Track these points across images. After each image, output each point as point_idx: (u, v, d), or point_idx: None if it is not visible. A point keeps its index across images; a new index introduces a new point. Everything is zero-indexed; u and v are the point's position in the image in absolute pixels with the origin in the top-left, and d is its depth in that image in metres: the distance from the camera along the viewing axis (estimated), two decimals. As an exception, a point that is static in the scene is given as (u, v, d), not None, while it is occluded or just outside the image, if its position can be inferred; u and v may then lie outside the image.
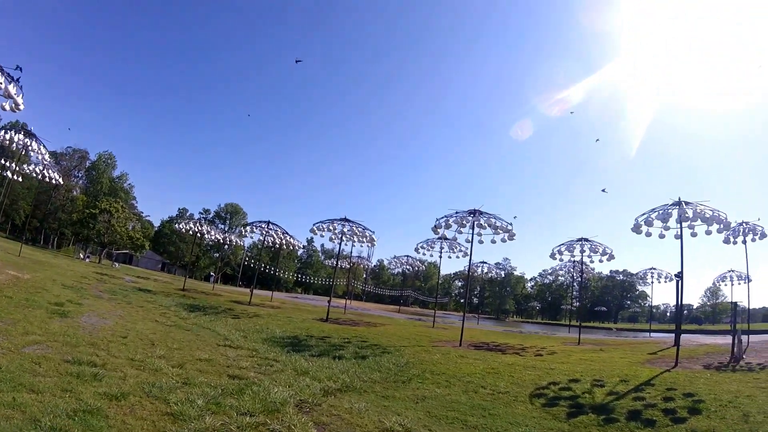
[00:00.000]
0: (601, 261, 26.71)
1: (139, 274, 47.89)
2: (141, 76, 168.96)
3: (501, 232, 20.46)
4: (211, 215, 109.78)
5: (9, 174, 32.93)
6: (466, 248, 30.04)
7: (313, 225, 26.32)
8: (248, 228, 34.04)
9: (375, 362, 12.84)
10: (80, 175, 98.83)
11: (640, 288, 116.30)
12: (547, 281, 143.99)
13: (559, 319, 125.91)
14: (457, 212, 20.61)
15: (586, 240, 25.57)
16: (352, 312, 36.19)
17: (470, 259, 22.88)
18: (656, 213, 17.82)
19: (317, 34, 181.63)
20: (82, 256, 59.68)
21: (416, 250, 31.53)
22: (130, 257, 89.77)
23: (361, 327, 22.59)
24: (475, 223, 20.10)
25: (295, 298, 57.03)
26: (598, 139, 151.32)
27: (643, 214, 18.17)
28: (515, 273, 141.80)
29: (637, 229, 18.36)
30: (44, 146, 25.67)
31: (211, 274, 68.08)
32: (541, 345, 20.73)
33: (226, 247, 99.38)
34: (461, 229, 21.36)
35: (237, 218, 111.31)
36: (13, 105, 15.07)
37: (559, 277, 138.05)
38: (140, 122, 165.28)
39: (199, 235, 45.64)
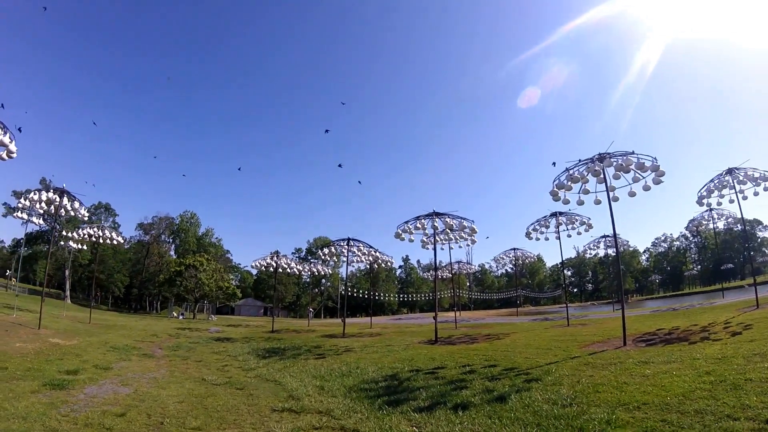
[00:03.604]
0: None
1: (233, 323, 46.16)
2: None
3: (643, 174, 14.63)
4: (303, 253, 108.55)
5: (72, 244, 31.49)
6: (588, 218, 24.50)
7: (398, 228, 21.73)
8: (327, 251, 29.78)
9: (522, 404, 7.71)
10: (170, 240, 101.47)
11: (761, 234, 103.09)
12: (662, 249, 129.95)
13: (681, 288, 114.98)
14: (574, 164, 15.10)
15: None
16: (465, 324, 30.85)
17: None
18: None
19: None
20: (176, 314, 58.80)
21: (527, 235, 25.94)
22: (231, 308, 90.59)
23: (482, 343, 17.28)
24: (607, 169, 14.46)
25: (398, 320, 52.70)
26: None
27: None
28: (629, 248, 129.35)
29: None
30: (80, 203, 22.89)
31: (310, 310, 65.28)
32: (719, 318, 16.49)
33: (324, 280, 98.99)
34: (585, 186, 15.78)
35: (341, 258, 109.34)
36: (6, 152, 15.18)
37: (675, 243, 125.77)
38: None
39: (295, 273, 44.29)
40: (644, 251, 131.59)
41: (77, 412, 8.17)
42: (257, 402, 9.34)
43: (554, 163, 14.81)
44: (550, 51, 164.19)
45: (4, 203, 75.56)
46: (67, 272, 76.87)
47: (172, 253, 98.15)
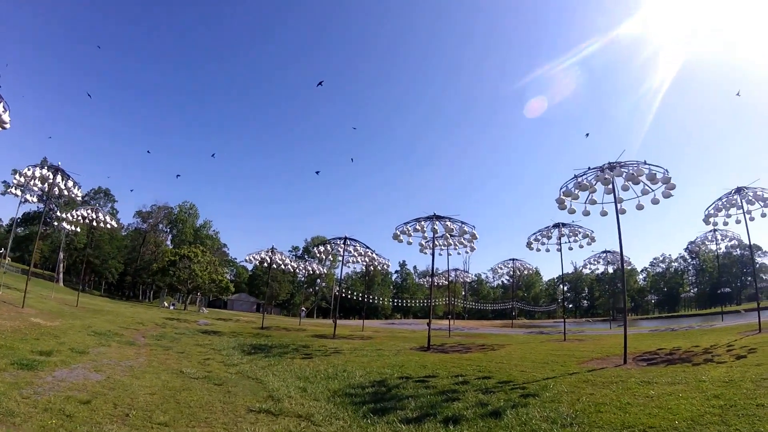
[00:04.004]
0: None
1: (223, 317, 45.47)
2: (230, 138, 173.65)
3: (652, 186, 14.11)
4: (299, 252, 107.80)
5: (65, 225, 30.94)
6: (591, 231, 23.95)
7: (396, 229, 21.13)
8: (322, 248, 29.17)
9: (519, 421, 7.12)
10: (167, 229, 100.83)
11: (759, 260, 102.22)
12: (660, 270, 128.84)
13: (677, 309, 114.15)
14: (583, 171, 14.52)
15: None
16: (459, 333, 30.23)
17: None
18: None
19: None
20: (166, 304, 58.11)
21: (528, 245, 25.34)
22: (224, 302, 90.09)
23: (476, 352, 16.63)
24: (616, 180, 13.92)
25: (391, 324, 52.07)
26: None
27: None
28: (628, 266, 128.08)
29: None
30: (74, 182, 22.32)
31: (302, 309, 64.62)
32: (720, 341, 15.90)
33: (319, 280, 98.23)
34: (592, 197, 15.25)
35: (336, 256, 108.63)
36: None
37: (673, 264, 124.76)
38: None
39: (290, 270, 43.78)
40: (642, 270, 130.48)
41: (40, 395, 7.66)
42: (234, 400, 8.73)
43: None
44: (563, 64, 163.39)
45: (3, 181, 74.95)
46: (61, 254, 76.21)
47: (169, 243, 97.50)
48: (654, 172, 13.46)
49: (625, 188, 14.24)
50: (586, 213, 15.82)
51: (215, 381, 10.55)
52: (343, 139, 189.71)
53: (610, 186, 14.07)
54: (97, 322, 21.04)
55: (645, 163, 13.50)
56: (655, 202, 14.47)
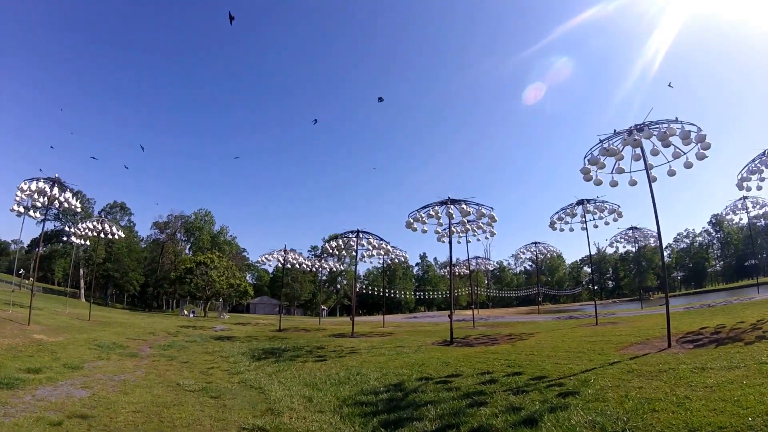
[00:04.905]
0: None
1: (242, 321, 45.07)
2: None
3: (685, 148, 12.73)
4: (318, 251, 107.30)
5: (74, 239, 30.38)
6: (618, 206, 22.48)
7: (408, 216, 19.86)
8: (334, 243, 28.13)
9: (559, 428, 5.91)
10: (184, 238, 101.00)
11: None
12: (684, 245, 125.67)
13: (703, 285, 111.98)
14: (608, 136, 13.17)
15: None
16: (483, 323, 28.84)
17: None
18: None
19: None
20: (186, 312, 57.67)
21: (551, 224, 23.83)
22: (246, 306, 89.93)
23: (503, 344, 15.34)
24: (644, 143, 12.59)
25: (413, 318, 50.84)
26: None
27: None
28: (650, 243, 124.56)
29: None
30: (72, 193, 21.73)
31: (323, 308, 63.91)
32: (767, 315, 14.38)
33: (340, 278, 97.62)
34: (620, 165, 13.92)
35: (350, 250, 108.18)
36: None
37: (697, 238, 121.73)
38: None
39: (305, 269, 43.70)
40: (666, 247, 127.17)
41: (8, 417, 7.08)
42: (227, 416, 7.70)
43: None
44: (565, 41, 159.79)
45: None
46: (81, 270, 76.57)
47: (188, 251, 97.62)
48: (688, 129, 12.04)
49: (654, 152, 12.87)
50: (614, 183, 14.41)
51: (212, 393, 9.59)
52: (359, 133, 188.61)
53: (639, 152, 12.77)
54: (104, 334, 20.36)
55: (677, 120, 12.10)
56: (687, 165, 13.02)
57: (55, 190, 21.18)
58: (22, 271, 49.50)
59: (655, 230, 12.70)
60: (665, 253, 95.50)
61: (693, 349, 10.37)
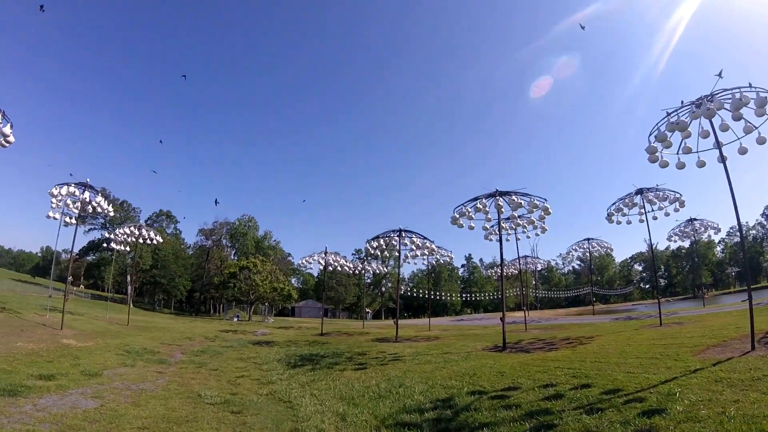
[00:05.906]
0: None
1: (285, 325, 44.58)
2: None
3: (760, 116, 10.81)
4: (362, 254, 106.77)
5: (114, 245, 30.31)
6: (680, 194, 20.44)
7: (454, 211, 18.47)
8: (375, 243, 26.85)
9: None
10: (229, 243, 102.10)
11: None
12: (738, 240, 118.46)
13: (758, 280, 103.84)
14: (676, 109, 11.45)
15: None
16: (535, 326, 27.09)
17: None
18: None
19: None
20: (230, 316, 57.75)
21: (608, 217, 22.08)
22: (292, 309, 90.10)
23: (562, 349, 13.72)
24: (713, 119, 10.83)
25: (459, 320, 49.30)
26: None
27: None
28: (710, 236, 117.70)
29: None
30: (104, 197, 21.36)
31: (367, 311, 63.02)
32: None
33: (384, 281, 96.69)
34: (686, 143, 12.15)
35: (392, 250, 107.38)
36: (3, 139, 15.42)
37: (750, 232, 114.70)
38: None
39: (347, 271, 42.52)
40: (719, 242, 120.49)
41: None
42: (244, 442, 6.50)
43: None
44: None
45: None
46: (128, 277, 78.00)
47: (233, 257, 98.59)
48: (764, 96, 10.16)
49: (724, 128, 11.06)
50: (681, 165, 12.59)
51: (234, 407, 8.56)
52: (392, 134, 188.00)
53: (707, 129, 11.04)
54: (138, 339, 19.96)
55: (750, 86, 10.26)
56: (761, 141, 11.16)
57: (86, 194, 20.87)
58: (70, 278, 50.50)
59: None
60: (718, 249, 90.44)
61: (782, 354, 8.68)
